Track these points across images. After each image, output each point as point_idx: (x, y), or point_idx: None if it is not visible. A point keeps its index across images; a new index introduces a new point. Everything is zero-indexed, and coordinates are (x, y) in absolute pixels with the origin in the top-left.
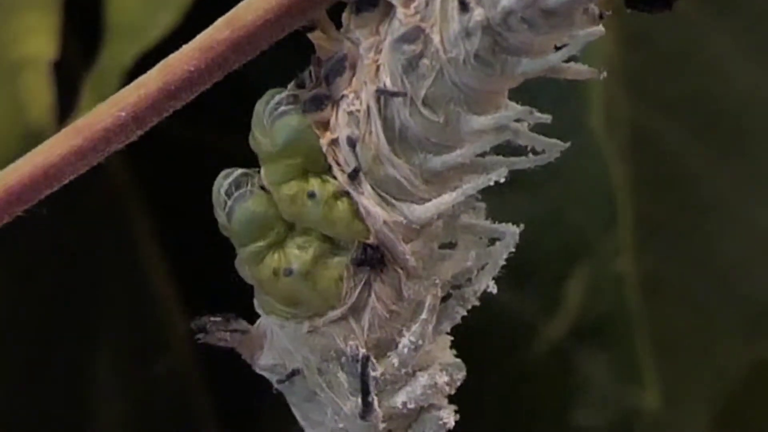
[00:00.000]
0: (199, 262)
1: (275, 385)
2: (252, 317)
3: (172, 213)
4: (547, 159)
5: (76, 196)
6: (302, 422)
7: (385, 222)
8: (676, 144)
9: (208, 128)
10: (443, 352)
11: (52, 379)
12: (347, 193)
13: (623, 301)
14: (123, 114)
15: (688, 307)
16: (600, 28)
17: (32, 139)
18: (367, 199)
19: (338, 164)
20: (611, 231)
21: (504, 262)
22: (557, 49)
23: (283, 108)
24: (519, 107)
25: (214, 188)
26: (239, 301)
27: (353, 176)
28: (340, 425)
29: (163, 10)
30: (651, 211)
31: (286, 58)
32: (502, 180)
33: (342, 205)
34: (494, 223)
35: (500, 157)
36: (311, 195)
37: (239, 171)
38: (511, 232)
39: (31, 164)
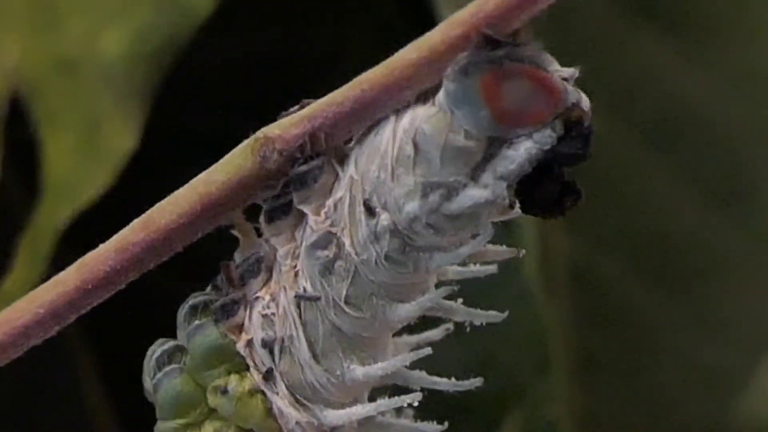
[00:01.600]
0: (143, 401)
1: None
2: None
3: (115, 352)
4: (470, 386)
5: None
6: None
7: (297, 423)
8: (616, 280)
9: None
10: None
11: None
12: (263, 391)
13: None
14: (41, 311)
15: None
16: (516, 211)
17: None
18: (281, 400)
19: (255, 363)
20: (545, 374)
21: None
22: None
23: (197, 322)
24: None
25: (147, 354)
26: None
27: (267, 377)
28: None
29: (97, 171)
30: (590, 348)
31: None
32: (416, 404)
33: (255, 402)
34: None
35: (423, 373)
36: (224, 392)
37: (173, 343)
38: None
39: None
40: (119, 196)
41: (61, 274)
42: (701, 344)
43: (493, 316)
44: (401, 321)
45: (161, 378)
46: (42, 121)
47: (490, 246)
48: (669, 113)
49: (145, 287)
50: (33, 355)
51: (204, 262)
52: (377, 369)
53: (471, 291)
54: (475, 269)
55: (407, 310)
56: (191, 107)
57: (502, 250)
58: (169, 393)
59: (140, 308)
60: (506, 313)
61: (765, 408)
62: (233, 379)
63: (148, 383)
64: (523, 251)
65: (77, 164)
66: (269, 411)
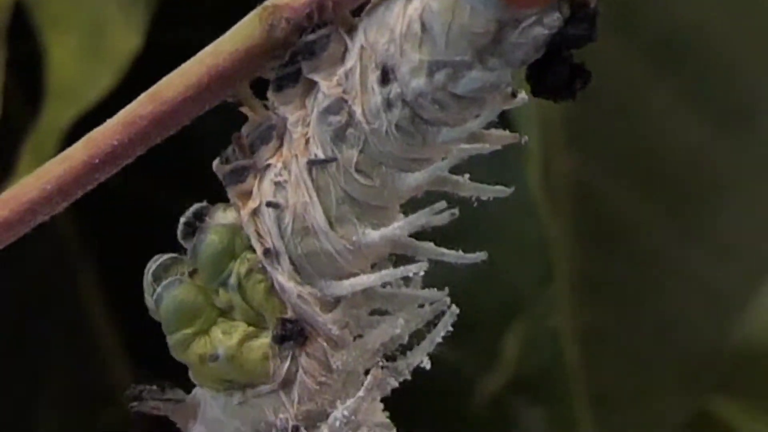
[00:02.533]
0: (144, 315)
1: None
2: None
3: (116, 267)
4: (475, 259)
5: (22, 249)
6: None
7: (299, 295)
8: (617, 198)
9: (153, 183)
10: (373, 414)
11: None
12: (263, 268)
13: (560, 355)
14: (49, 186)
15: (628, 360)
16: (522, 97)
17: None
18: (281, 275)
19: (259, 235)
20: (547, 286)
21: (440, 339)
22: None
23: (199, 235)
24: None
25: (145, 272)
26: None
27: (268, 252)
28: None
29: (101, 72)
30: (591, 265)
31: (230, 114)
32: (422, 273)
33: (255, 282)
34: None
35: (431, 245)
36: (224, 283)
37: (168, 256)
38: (442, 301)
39: None
40: (123, 99)
41: (69, 150)
42: (702, 264)
43: (500, 191)
44: (410, 190)
45: (161, 292)
46: (45, 25)
47: (493, 130)
48: (673, 35)
49: (146, 202)
50: (36, 274)
51: (207, 179)
52: (394, 229)
53: (475, 201)
54: (478, 147)
55: (416, 179)
56: (194, 17)
57: (505, 135)
58: (170, 305)
59: (142, 225)
60: (512, 189)
61: (766, 327)
62: (232, 265)
63: (150, 302)
64: (526, 137)
65: (81, 66)
66: (271, 289)
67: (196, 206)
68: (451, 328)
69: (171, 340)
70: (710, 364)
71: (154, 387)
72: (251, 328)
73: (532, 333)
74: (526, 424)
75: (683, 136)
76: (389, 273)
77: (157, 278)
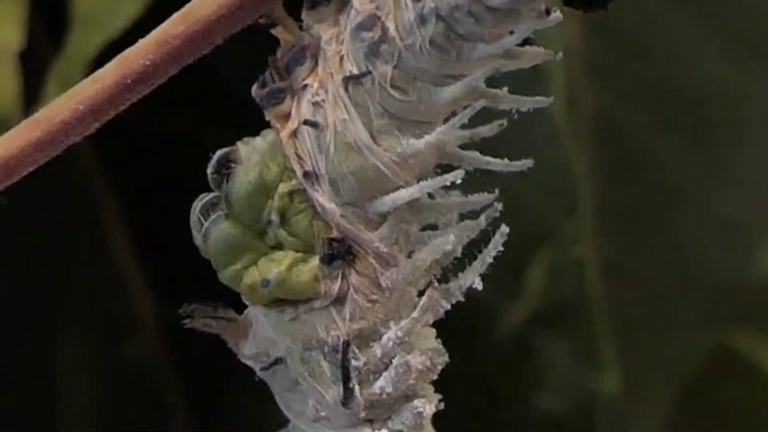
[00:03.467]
0: (167, 247)
1: (258, 374)
2: (221, 299)
3: (140, 199)
4: (522, 167)
5: (46, 183)
6: (285, 412)
7: (341, 215)
8: (639, 132)
9: (176, 115)
10: (426, 339)
11: (19, 363)
12: (303, 192)
13: (583, 286)
14: (81, 107)
15: (649, 292)
16: (557, 15)
17: None
18: (322, 196)
19: (299, 157)
20: (572, 217)
21: (491, 259)
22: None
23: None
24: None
25: (192, 210)
26: (207, 286)
27: (308, 174)
28: (322, 414)
29: (127, 0)
30: (613, 198)
31: (255, 46)
32: (459, 181)
33: (297, 212)
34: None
35: (476, 153)
36: (269, 222)
37: (214, 194)
38: (494, 208)
39: None
40: (149, 29)
41: (101, 71)
42: (724, 197)
43: (541, 101)
44: (447, 104)
45: (208, 227)
46: None
47: (528, 48)
48: None
49: (169, 135)
50: (59, 208)
51: (232, 111)
52: (437, 134)
53: (500, 132)
54: (516, 62)
55: (452, 92)
56: None
57: (540, 52)
58: (218, 238)
59: (164, 156)
60: (551, 99)
61: None
62: (270, 204)
63: (198, 240)
64: (560, 54)
65: None
66: (314, 215)
67: (219, 153)
68: (501, 248)
69: (222, 276)
70: (731, 297)
71: (207, 306)
72: (300, 254)
73: (556, 264)
74: (549, 355)
75: (706, 70)
76: (428, 183)
77: (204, 214)
